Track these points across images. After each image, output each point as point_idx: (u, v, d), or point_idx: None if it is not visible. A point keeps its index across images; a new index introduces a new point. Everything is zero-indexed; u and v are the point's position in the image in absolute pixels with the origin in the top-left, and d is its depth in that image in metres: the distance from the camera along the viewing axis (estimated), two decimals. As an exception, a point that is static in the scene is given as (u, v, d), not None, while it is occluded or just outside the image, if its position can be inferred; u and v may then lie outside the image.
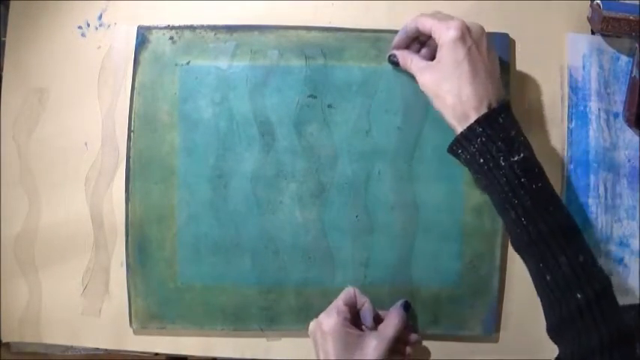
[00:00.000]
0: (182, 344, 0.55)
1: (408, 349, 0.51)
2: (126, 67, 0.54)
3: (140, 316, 0.53)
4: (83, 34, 0.55)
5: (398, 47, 0.51)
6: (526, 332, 0.54)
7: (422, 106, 0.52)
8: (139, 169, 0.53)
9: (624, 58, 0.55)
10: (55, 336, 0.55)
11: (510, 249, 0.49)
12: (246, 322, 0.54)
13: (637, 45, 0.53)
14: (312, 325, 0.49)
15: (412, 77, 0.49)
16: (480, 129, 0.43)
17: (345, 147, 0.53)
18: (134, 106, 0.53)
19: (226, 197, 0.53)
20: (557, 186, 0.54)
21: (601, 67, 0.55)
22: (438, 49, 0.46)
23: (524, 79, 0.55)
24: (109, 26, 0.55)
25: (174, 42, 0.53)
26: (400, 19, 0.52)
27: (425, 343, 0.54)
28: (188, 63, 0.53)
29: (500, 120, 0.43)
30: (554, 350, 0.43)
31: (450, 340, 0.54)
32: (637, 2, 0.52)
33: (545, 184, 0.43)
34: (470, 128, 0.44)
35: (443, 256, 0.53)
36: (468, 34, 0.45)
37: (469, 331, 0.53)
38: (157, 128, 0.53)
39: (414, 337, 0.52)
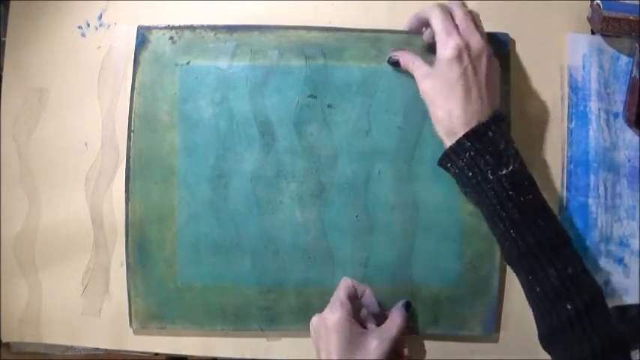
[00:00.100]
0: (182, 344, 0.55)
1: (406, 351, 0.51)
2: (126, 67, 0.54)
3: (140, 316, 0.53)
4: (83, 34, 0.55)
5: (411, 30, 0.51)
6: (526, 332, 0.54)
7: (422, 106, 0.52)
8: (139, 169, 0.53)
9: (624, 58, 0.55)
10: (55, 336, 0.55)
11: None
12: (246, 322, 0.53)
13: (637, 45, 0.53)
14: (316, 320, 0.48)
15: (412, 77, 0.49)
16: (469, 143, 0.43)
17: (345, 147, 0.53)
18: (134, 106, 0.53)
19: (226, 197, 0.53)
20: (557, 186, 0.54)
21: (601, 67, 0.55)
22: (437, 60, 0.46)
23: (524, 79, 0.55)
24: (109, 26, 0.55)
25: (174, 42, 0.53)
26: (400, 19, 0.52)
27: (425, 343, 0.54)
28: (188, 63, 0.53)
29: (490, 134, 0.43)
30: (554, 350, 0.43)
31: (450, 340, 0.54)
32: (637, 2, 0.52)
33: (535, 196, 0.43)
34: (458, 142, 0.44)
35: (443, 256, 0.53)
36: (465, 54, 0.45)
37: (469, 331, 0.53)
38: (156, 128, 0.53)
39: (406, 351, 0.51)
